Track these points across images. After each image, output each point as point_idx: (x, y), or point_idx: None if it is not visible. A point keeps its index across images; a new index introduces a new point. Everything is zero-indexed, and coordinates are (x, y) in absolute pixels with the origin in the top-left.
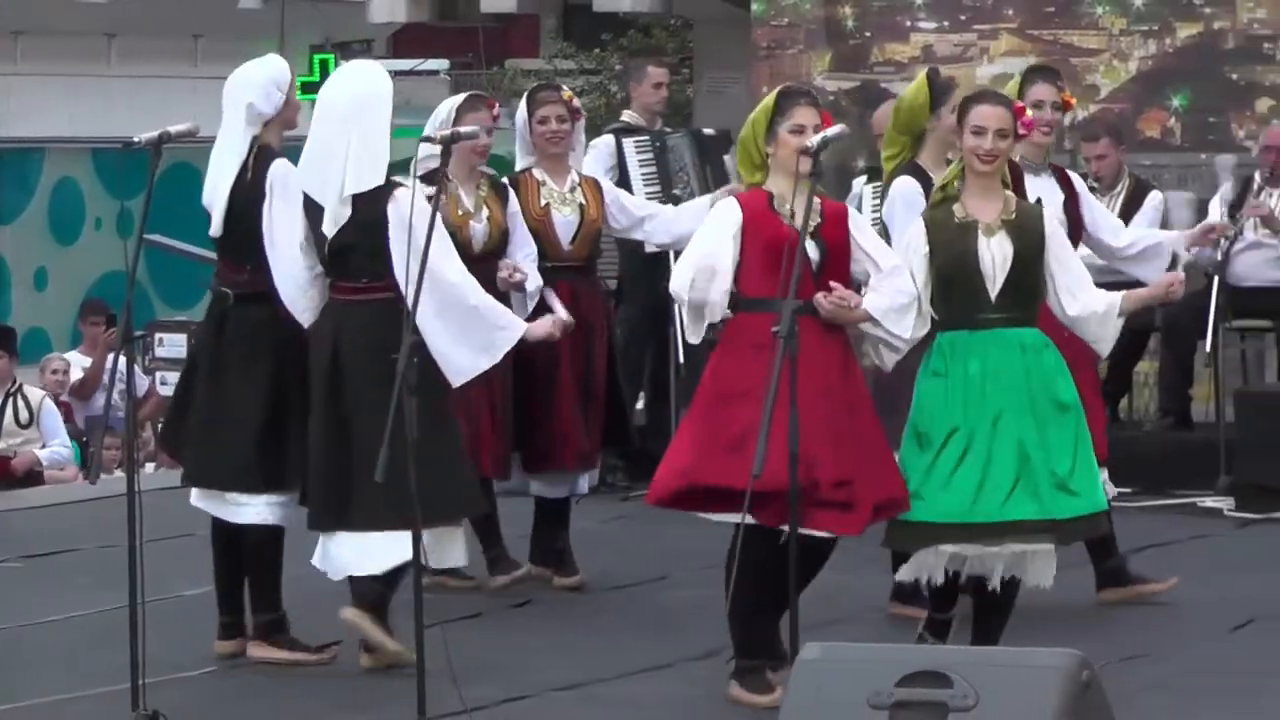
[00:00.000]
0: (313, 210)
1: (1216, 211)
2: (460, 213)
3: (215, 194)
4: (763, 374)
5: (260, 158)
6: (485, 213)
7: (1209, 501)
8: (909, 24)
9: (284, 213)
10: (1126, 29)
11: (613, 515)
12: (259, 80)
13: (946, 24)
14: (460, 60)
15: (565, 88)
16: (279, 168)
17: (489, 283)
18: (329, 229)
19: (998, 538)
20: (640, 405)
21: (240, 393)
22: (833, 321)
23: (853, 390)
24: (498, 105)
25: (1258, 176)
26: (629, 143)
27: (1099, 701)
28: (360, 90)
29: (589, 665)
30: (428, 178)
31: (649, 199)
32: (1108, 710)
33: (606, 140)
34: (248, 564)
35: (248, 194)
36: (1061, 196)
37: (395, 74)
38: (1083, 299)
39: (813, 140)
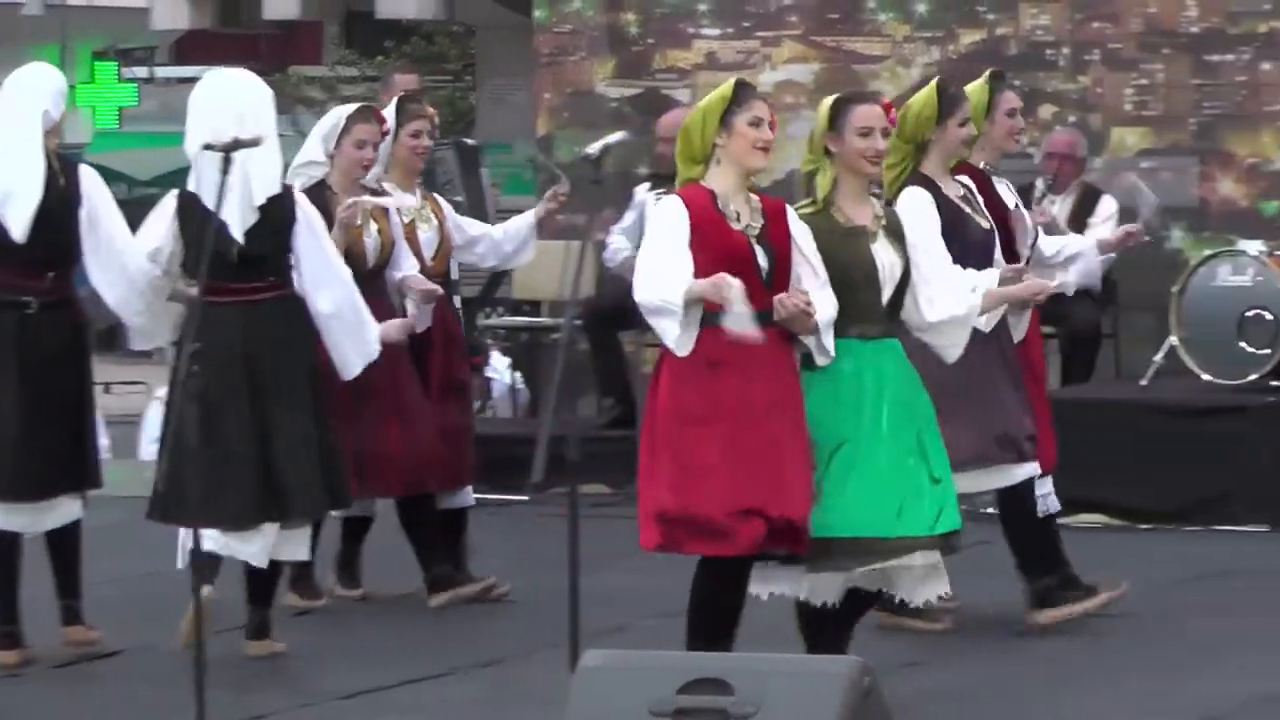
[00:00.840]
0: (194, 217)
1: None
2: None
3: (13, 200)
4: (725, 393)
5: (66, 165)
6: (374, 226)
7: (991, 508)
8: (692, 31)
9: (108, 217)
10: (910, 35)
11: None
12: (53, 89)
13: (730, 30)
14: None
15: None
16: (91, 175)
17: (380, 295)
18: (238, 234)
19: (893, 554)
20: None
21: (56, 399)
22: (787, 327)
23: (800, 403)
24: (389, 120)
25: (1040, 183)
26: None
27: (879, 708)
28: (247, 98)
29: (375, 672)
30: (312, 192)
31: None
32: (888, 717)
33: None
34: (67, 557)
35: (60, 199)
36: (1018, 200)
37: (177, 81)
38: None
39: (593, 147)
